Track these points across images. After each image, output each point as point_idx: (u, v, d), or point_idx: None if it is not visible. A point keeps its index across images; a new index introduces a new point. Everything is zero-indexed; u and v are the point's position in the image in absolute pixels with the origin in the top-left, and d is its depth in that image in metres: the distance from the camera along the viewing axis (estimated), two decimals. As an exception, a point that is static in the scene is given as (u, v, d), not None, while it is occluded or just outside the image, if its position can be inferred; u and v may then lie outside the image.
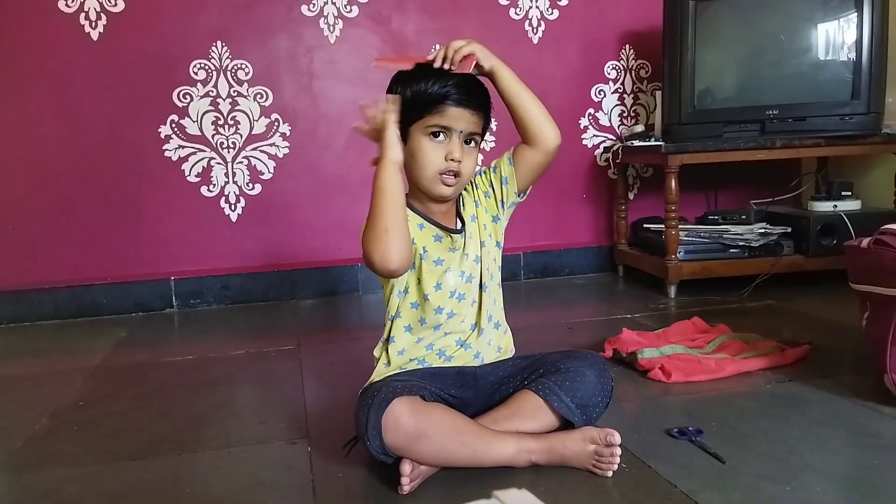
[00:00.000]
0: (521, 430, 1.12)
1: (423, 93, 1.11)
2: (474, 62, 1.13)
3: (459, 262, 1.19)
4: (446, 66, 1.12)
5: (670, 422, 1.26)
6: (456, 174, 1.14)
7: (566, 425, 1.15)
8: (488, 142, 2.50)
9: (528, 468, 1.09)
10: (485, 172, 1.26)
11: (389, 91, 1.15)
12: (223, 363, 1.80)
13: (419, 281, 1.17)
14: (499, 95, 1.17)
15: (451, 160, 1.12)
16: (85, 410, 1.49)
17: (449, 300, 1.18)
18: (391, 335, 1.19)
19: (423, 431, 1.02)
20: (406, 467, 1.02)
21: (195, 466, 1.19)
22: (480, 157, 1.27)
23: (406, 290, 1.17)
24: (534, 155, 1.19)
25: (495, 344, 1.25)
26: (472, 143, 1.16)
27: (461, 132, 1.13)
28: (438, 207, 1.20)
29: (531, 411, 1.14)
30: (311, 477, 1.12)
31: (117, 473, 1.18)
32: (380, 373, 1.18)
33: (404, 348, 1.18)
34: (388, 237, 1.03)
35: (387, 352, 1.19)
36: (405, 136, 1.13)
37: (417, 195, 1.20)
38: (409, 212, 1.17)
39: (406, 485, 1.02)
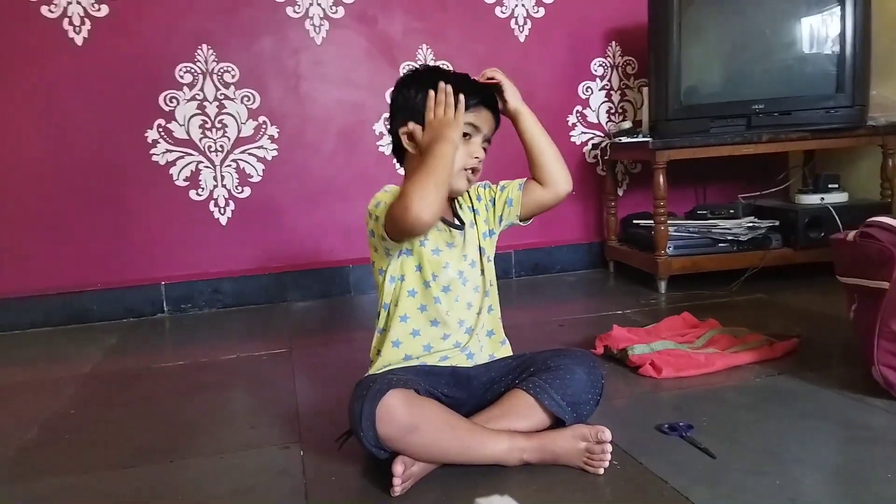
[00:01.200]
0: (513, 428, 1.13)
1: (464, 91, 1.16)
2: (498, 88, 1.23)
3: (458, 262, 1.22)
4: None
5: (661, 417, 1.27)
6: (474, 170, 1.21)
7: (557, 423, 1.15)
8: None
9: (520, 466, 1.09)
10: (489, 187, 1.31)
11: (402, 88, 1.21)
12: (215, 368, 1.80)
13: (420, 267, 1.19)
14: (518, 137, 1.26)
15: (476, 157, 1.19)
16: (76, 419, 1.49)
17: (444, 294, 1.19)
18: (387, 325, 1.20)
19: (416, 424, 1.03)
20: (398, 468, 1.02)
21: (187, 474, 1.19)
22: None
23: (402, 278, 1.19)
24: (543, 194, 1.27)
25: (487, 351, 1.26)
26: (486, 145, 1.23)
27: (483, 133, 1.20)
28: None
29: (523, 410, 1.15)
30: (303, 481, 1.12)
31: (109, 482, 1.18)
32: (376, 367, 1.18)
33: (399, 339, 1.19)
34: (434, 192, 1.06)
35: (381, 343, 1.19)
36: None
37: None
38: None
39: (398, 486, 1.02)
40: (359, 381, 1.12)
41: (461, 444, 1.07)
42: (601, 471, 1.07)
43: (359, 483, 1.10)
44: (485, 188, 1.31)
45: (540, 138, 1.25)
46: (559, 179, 1.26)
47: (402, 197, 1.07)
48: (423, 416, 1.05)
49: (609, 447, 1.07)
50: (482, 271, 1.26)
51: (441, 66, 1.21)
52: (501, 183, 1.31)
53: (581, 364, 1.19)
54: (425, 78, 1.19)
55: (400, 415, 1.02)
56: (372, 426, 1.02)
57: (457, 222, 1.25)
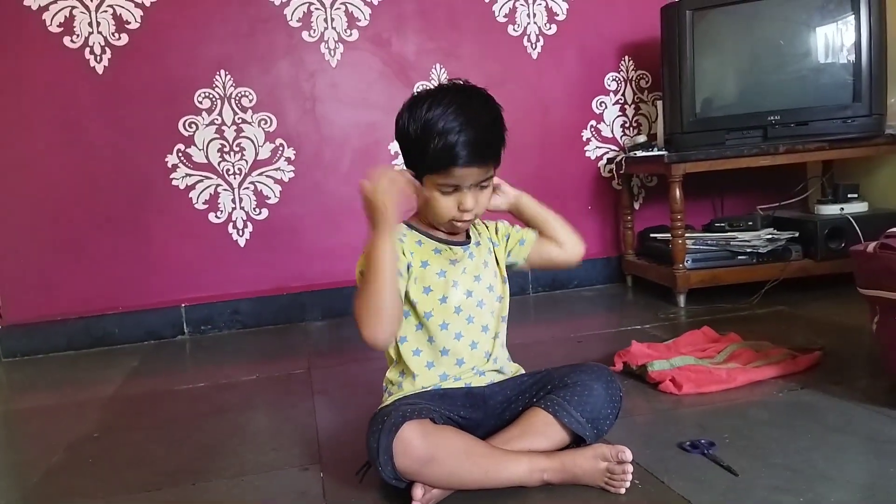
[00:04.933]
0: (533, 448, 1.12)
1: (430, 156, 1.09)
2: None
3: (470, 281, 1.19)
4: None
5: (682, 435, 1.26)
6: (465, 219, 1.15)
7: (577, 440, 1.15)
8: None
9: (541, 487, 1.09)
10: (505, 224, 1.31)
11: (399, 139, 1.17)
12: (235, 389, 1.81)
13: (414, 304, 1.17)
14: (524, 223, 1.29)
15: (464, 210, 1.13)
16: (100, 442, 1.51)
17: (455, 316, 1.17)
18: (404, 364, 1.19)
19: (433, 455, 1.03)
20: (418, 492, 1.02)
21: (210, 496, 1.20)
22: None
23: (406, 314, 1.18)
24: (558, 252, 1.29)
25: (501, 368, 1.25)
26: (486, 184, 1.15)
27: (471, 185, 1.12)
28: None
29: (542, 428, 1.14)
30: (323, 503, 1.12)
31: (133, 505, 1.19)
32: (392, 398, 1.18)
33: (417, 374, 1.18)
34: (382, 316, 1.07)
35: (395, 382, 1.19)
36: (420, 179, 1.14)
37: (425, 219, 1.20)
38: (407, 230, 1.20)
39: (418, 509, 1.02)
40: (374, 414, 1.11)
41: (480, 470, 1.06)
42: (622, 491, 1.06)
43: (379, 505, 1.10)
44: (502, 223, 1.31)
45: (544, 214, 1.28)
46: (571, 244, 1.29)
47: (354, 314, 1.08)
48: (441, 445, 1.04)
49: (630, 467, 1.06)
50: (494, 293, 1.23)
51: (453, 84, 1.17)
52: (517, 227, 1.30)
53: (598, 379, 1.18)
54: (422, 108, 1.11)
55: (417, 447, 1.01)
56: (390, 460, 1.01)
57: (458, 239, 1.22)
